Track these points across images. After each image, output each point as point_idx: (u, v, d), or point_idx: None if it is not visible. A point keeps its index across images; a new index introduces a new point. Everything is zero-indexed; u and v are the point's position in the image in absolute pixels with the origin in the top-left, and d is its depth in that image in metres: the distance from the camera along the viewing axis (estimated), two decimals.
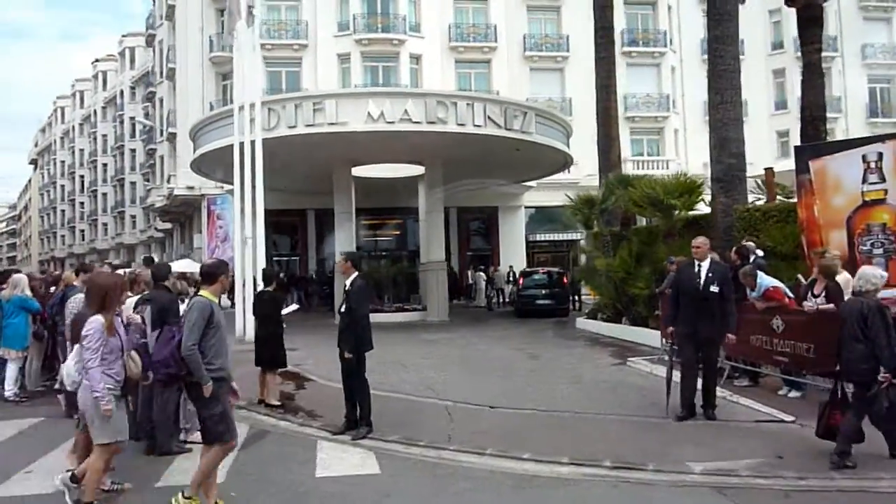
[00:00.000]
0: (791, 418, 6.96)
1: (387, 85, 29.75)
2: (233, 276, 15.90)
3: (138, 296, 6.47)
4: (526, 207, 32.38)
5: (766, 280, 7.75)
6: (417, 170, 21.93)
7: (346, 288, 7.05)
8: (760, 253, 10.24)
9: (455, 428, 6.88)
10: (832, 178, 10.89)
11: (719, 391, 8.06)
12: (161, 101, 39.90)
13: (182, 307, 6.49)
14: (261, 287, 10.02)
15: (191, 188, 31.13)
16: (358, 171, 22.63)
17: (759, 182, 14.10)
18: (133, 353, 4.86)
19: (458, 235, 31.83)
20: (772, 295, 7.65)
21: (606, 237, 14.83)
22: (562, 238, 32.26)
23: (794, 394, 7.81)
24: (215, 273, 4.69)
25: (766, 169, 13.05)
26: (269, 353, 8.33)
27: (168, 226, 43.60)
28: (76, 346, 4.90)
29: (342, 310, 7.06)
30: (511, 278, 27.59)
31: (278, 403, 8.14)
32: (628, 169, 31.77)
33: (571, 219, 17.98)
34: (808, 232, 11.01)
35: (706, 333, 6.97)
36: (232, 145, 16.24)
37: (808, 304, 7.16)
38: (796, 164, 11.25)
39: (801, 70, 14.37)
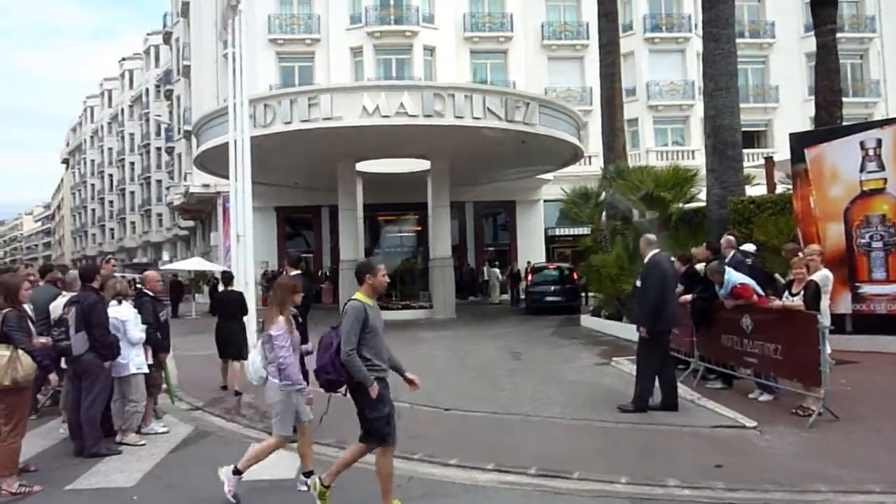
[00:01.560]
0: (753, 424, 6.68)
1: (401, 78, 29.77)
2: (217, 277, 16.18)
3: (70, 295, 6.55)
4: (545, 201, 32.03)
5: (733, 276, 7.46)
6: (427, 164, 21.92)
7: None
8: (752, 248, 9.93)
9: (400, 433, 6.79)
10: (829, 166, 10.53)
11: (689, 393, 7.96)
12: (178, 98, 40.64)
13: (120, 309, 6.57)
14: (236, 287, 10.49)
15: (206, 186, 31.68)
16: (367, 167, 22.78)
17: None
18: (21, 351, 4.89)
19: (474, 230, 31.81)
20: (739, 292, 7.36)
21: (604, 232, 14.60)
22: (584, 233, 31.81)
23: (765, 397, 7.51)
24: (362, 274, 4.69)
25: (766, 158, 12.66)
26: (236, 346, 9.36)
27: (191, 223, 44.49)
28: (259, 343, 5.08)
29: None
30: (510, 273, 27.19)
31: (241, 391, 8.97)
32: (651, 160, 31.23)
33: (569, 212, 17.69)
34: (803, 224, 10.70)
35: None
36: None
37: (776, 302, 6.87)
38: (791, 153, 10.92)
39: (816, 52, 13.91)
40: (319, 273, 29.44)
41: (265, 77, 30.01)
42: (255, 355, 5.13)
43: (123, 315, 6.51)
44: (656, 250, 7.34)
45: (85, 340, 6.10)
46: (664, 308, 7.12)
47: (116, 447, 6.37)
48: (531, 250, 30.92)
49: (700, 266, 8.40)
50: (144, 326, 6.77)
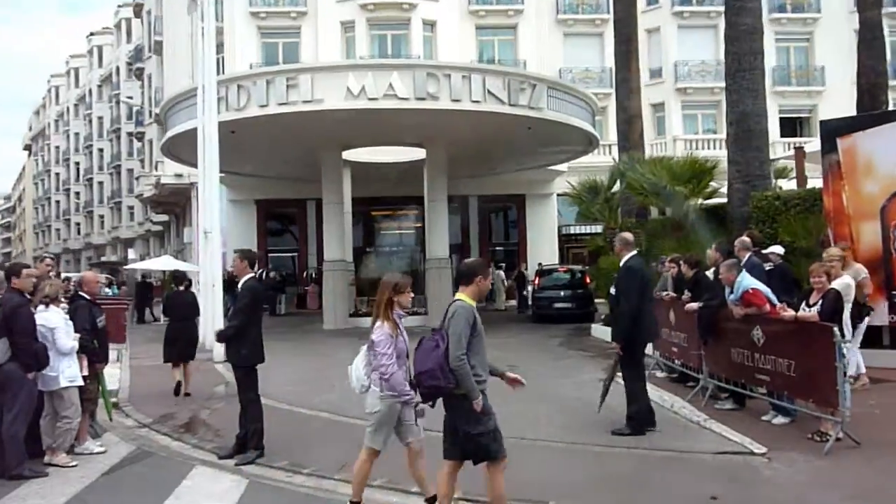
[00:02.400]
0: (762, 450, 6.63)
1: (398, 57, 29.79)
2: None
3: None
4: (559, 195, 31.94)
5: (746, 280, 7.40)
6: (423, 153, 21.95)
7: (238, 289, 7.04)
8: (780, 249, 9.88)
9: (356, 455, 6.79)
10: (864, 158, 10.46)
11: (695, 413, 7.95)
12: (150, 77, 40.76)
13: (47, 315, 6.58)
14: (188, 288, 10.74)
15: (179, 176, 31.83)
16: (356, 156, 22.86)
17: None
18: None
19: (478, 228, 31.79)
20: (750, 299, 7.30)
21: (613, 231, 14.58)
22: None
23: (780, 420, 7.45)
24: (472, 274, 4.83)
25: (795, 149, 12.58)
26: (181, 348, 10.13)
27: (164, 218, 44.67)
28: (363, 349, 5.25)
29: (229, 314, 7.05)
30: (516, 276, 27.19)
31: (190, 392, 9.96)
32: (678, 150, 31.12)
33: (581, 209, 17.69)
34: (835, 224, 10.63)
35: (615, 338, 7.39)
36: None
37: (788, 312, 6.83)
38: (822, 143, 10.86)
39: (858, 28, 13.86)
40: (304, 274, 29.51)
41: (246, 55, 30.11)
42: (358, 360, 5.24)
43: (52, 321, 6.53)
44: (633, 252, 7.31)
45: (7, 348, 6.12)
46: (641, 318, 7.07)
47: (43, 469, 6.40)
48: (543, 250, 30.82)
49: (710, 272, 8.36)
50: (78, 334, 6.78)
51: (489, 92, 17.44)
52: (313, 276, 29.47)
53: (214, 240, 15.13)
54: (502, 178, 28.63)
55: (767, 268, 8.76)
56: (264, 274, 26.82)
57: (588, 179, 15.56)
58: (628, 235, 7.42)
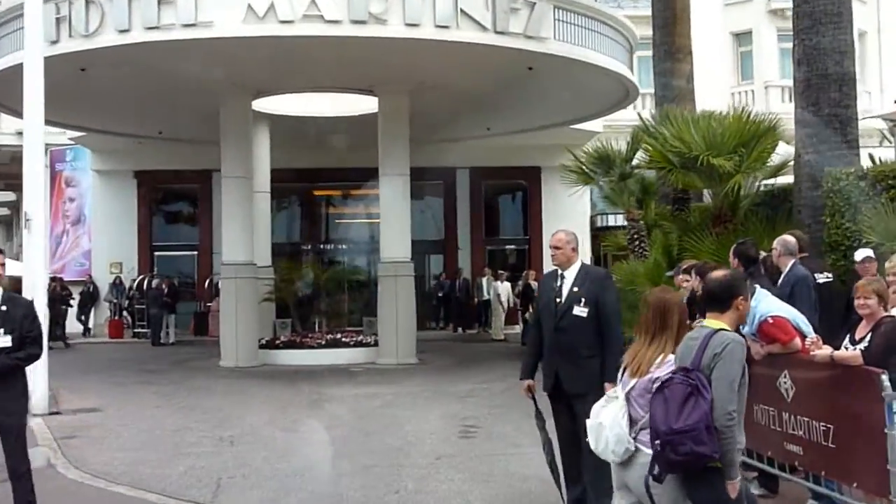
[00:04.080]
0: None
1: None
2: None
3: None
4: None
5: (763, 305, 7.34)
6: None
7: None
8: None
9: None
10: None
11: None
12: None
13: None
14: None
15: (21, 134, 31.77)
16: (280, 107, 23.02)
17: None
18: None
19: (469, 215, 32.00)
20: (770, 331, 7.27)
21: (637, 223, 14.70)
22: None
23: None
24: (729, 294, 5.03)
25: None
26: None
27: (11, 196, 44.73)
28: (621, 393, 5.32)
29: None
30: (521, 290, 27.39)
31: None
32: (772, 101, 31.08)
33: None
34: None
35: (571, 387, 7.33)
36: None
37: (822, 349, 6.88)
38: None
39: None
40: (208, 283, 29.39)
41: None
42: (615, 413, 5.23)
43: None
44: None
45: None
46: None
47: None
48: None
49: None
50: None
51: (463, 12, 17.51)
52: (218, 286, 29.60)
53: (36, 229, 15.16)
54: (505, 143, 28.74)
55: (822, 280, 8.82)
56: (147, 282, 26.96)
57: (600, 148, 15.54)
58: (567, 234, 7.63)
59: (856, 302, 7.12)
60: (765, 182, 14.09)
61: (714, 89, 28.02)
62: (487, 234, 32.66)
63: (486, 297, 29.66)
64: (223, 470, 10.22)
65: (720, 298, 5.04)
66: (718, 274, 5.40)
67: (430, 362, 21.06)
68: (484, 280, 30.08)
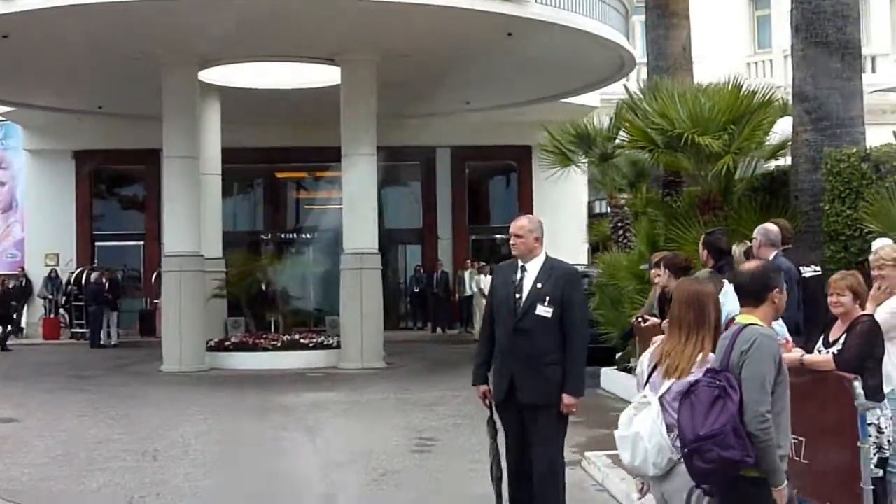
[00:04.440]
0: None
1: None
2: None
3: None
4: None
5: (731, 304, 7.02)
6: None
7: None
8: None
9: None
10: None
11: None
12: None
13: None
14: None
15: None
16: (231, 78, 23.03)
17: None
18: None
19: (451, 200, 31.92)
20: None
21: (622, 210, 14.57)
22: None
23: None
24: (764, 287, 5.05)
25: None
26: None
27: None
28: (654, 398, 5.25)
29: None
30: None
31: None
32: (790, 72, 30.65)
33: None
34: None
35: (527, 396, 7.14)
36: None
37: (793, 352, 6.76)
38: None
39: None
40: (155, 277, 29.00)
41: None
42: (652, 420, 5.13)
43: None
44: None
45: None
46: None
47: None
48: (561, 240, 30.26)
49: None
50: None
51: None
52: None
53: None
54: (490, 119, 28.69)
55: (809, 273, 8.63)
56: (85, 276, 26.71)
57: (578, 125, 15.45)
58: (531, 218, 7.54)
59: (829, 299, 7.08)
60: (773, 164, 14.14)
61: (726, 59, 27.79)
62: (472, 222, 32.53)
63: (468, 292, 29.48)
64: (139, 487, 10.08)
65: (753, 292, 5.05)
66: (750, 265, 5.47)
67: (399, 366, 21.01)
68: (466, 273, 30.00)
